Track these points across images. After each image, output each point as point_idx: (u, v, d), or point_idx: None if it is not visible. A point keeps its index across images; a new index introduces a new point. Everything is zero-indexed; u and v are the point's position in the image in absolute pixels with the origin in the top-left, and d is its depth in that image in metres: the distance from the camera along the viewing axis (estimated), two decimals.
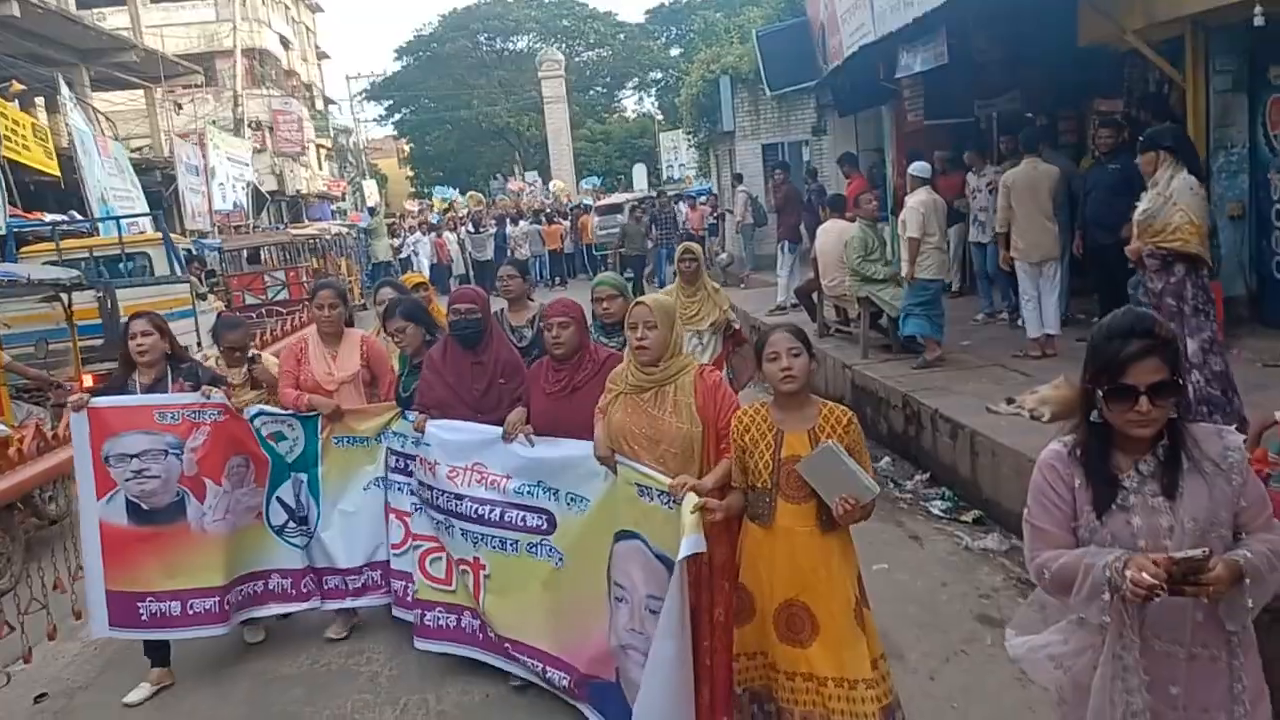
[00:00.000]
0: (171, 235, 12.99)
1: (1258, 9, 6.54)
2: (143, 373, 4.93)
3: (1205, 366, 5.38)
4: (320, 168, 47.01)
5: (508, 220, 27.33)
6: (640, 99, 61.26)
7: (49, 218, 18.19)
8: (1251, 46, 7.53)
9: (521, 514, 4.41)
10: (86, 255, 10.63)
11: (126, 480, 4.81)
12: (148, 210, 20.52)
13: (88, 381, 7.25)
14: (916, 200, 8.10)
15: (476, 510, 4.51)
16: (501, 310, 5.87)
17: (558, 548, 4.29)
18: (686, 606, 3.36)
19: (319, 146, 47.43)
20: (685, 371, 3.72)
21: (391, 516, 5.16)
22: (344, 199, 46.21)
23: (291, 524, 5.25)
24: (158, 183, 25.65)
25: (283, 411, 5.24)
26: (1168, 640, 2.37)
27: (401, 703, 4.58)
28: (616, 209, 27.83)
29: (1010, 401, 6.63)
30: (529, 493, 4.37)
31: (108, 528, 4.84)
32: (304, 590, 5.27)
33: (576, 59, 57.24)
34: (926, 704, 4.01)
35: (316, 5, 55.19)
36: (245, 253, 15.36)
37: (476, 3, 56.64)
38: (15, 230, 14.96)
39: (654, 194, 28.99)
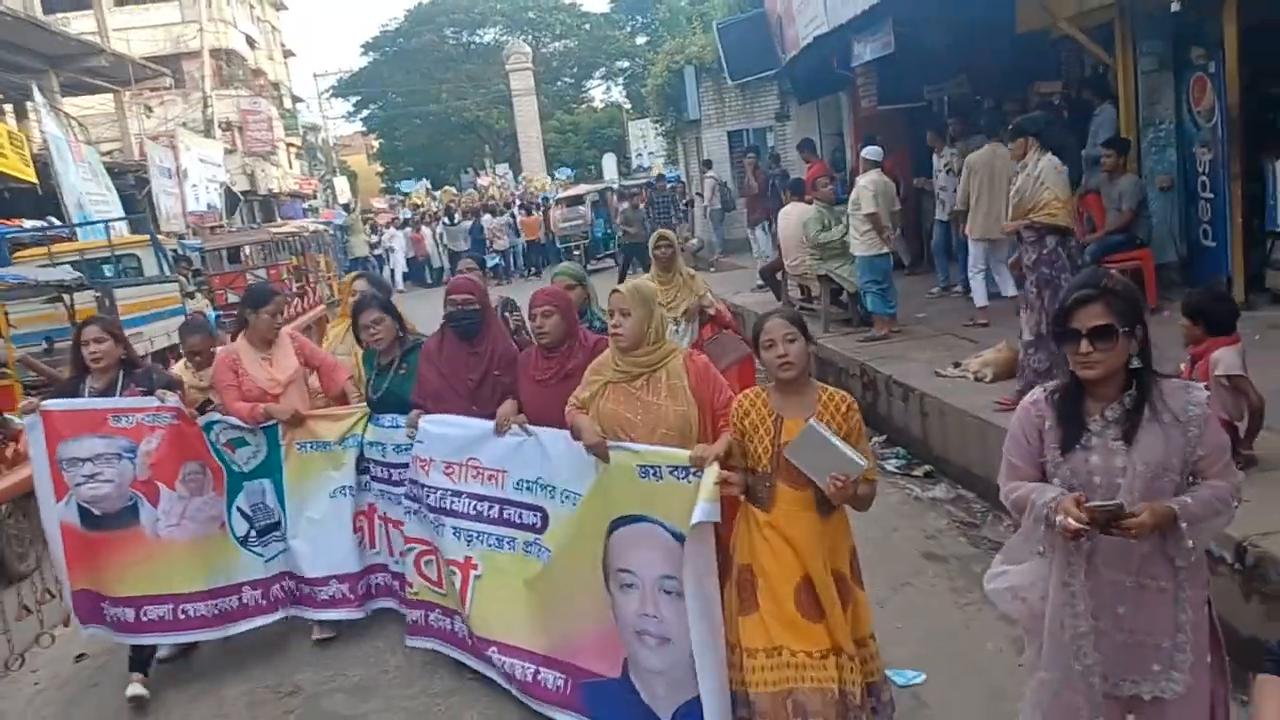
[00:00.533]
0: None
1: None
2: (95, 378, 4.96)
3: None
4: (291, 166, 47.09)
5: (483, 212, 27.69)
6: (608, 89, 61.48)
7: (28, 224, 18.45)
8: (1175, 30, 8.07)
9: (519, 511, 4.33)
10: (78, 258, 10.99)
11: (78, 485, 4.83)
12: (123, 214, 20.79)
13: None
14: (868, 180, 8.64)
15: (474, 507, 4.45)
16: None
17: (546, 545, 4.21)
18: (713, 576, 3.44)
19: (289, 145, 47.48)
20: (674, 354, 3.78)
21: (389, 526, 5.14)
22: (315, 197, 46.35)
23: (254, 534, 5.20)
24: (131, 186, 25.78)
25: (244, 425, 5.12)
26: (1116, 570, 2.61)
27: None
28: (579, 200, 27.45)
29: (956, 365, 7.18)
30: (527, 488, 4.28)
31: (67, 528, 4.89)
32: (275, 598, 5.24)
33: (543, 50, 57.23)
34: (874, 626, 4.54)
35: (281, 3, 55.07)
36: (226, 252, 15.67)
37: None
38: None
39: (626, 183, 29.40)
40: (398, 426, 4.92)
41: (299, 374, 5.40)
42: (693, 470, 3.46)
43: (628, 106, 52.41)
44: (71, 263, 10.02)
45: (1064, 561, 2.63)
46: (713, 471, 3.36)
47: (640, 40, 55.95)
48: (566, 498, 4.11)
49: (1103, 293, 2.57)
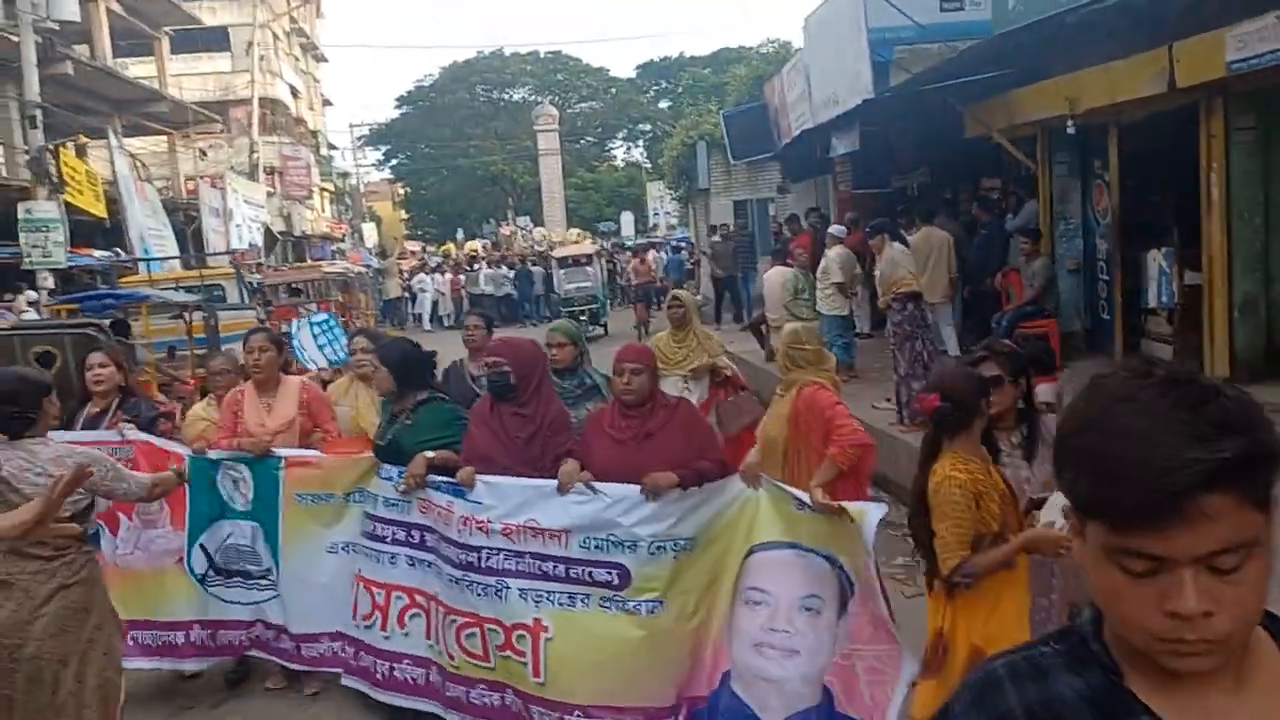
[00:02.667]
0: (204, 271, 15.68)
1: (1069, 122, 9.08)
2: (94, 403, 5.06)
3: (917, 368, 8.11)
4: (324, 210, 49.42)
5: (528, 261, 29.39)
6: (629, 149, 63.62)
7: (97, 254, 20.49)
8: (1082, 145, 10.04)
9: (588, 569, 4.16)
10: (174, 286, 12.95)
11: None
12: (178, 247, 22.97)
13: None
14: (834, 253, 10.60)
15: (540, 566, 4.24)
16: (461, 360, 5.93)
17: (646, 598, 4.08)
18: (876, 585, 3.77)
19: (322, 190, 49.86)
20: (792, 386, 4.50)
21: (362, 586, 4.83)
22: (344, 240, 48.61)
23: (213, 573, 5.06)
24: (181, 223, 27.94)
25: (229, 455, 5.07)
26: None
27: None
28: (585, 260, 24.38)
29: (887, 400, 9.06)
30: (598, 546, 4.13)
31: None
32: (230, 643, 5.14)
33: (569, 110, 59.11)
34: None
35: (322, 56, 57.88)
36: (282, 287, 17.66)
37: (476, 56, 58.94)
38: (72, 266, 17.36)
39: (640, 241, 30.95)
40: (390, 479, 4.73)
41: (293, 426, 5.27)
42: (805, 506, 3.92)
43: (648, 167, 54.43)
44: (169, 289, 11.95)
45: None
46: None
47: (663, 105, 58.34)
48: (660, 549, 4.07)
49: (993, 354, 3.61)
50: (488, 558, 4.31)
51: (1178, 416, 1.04)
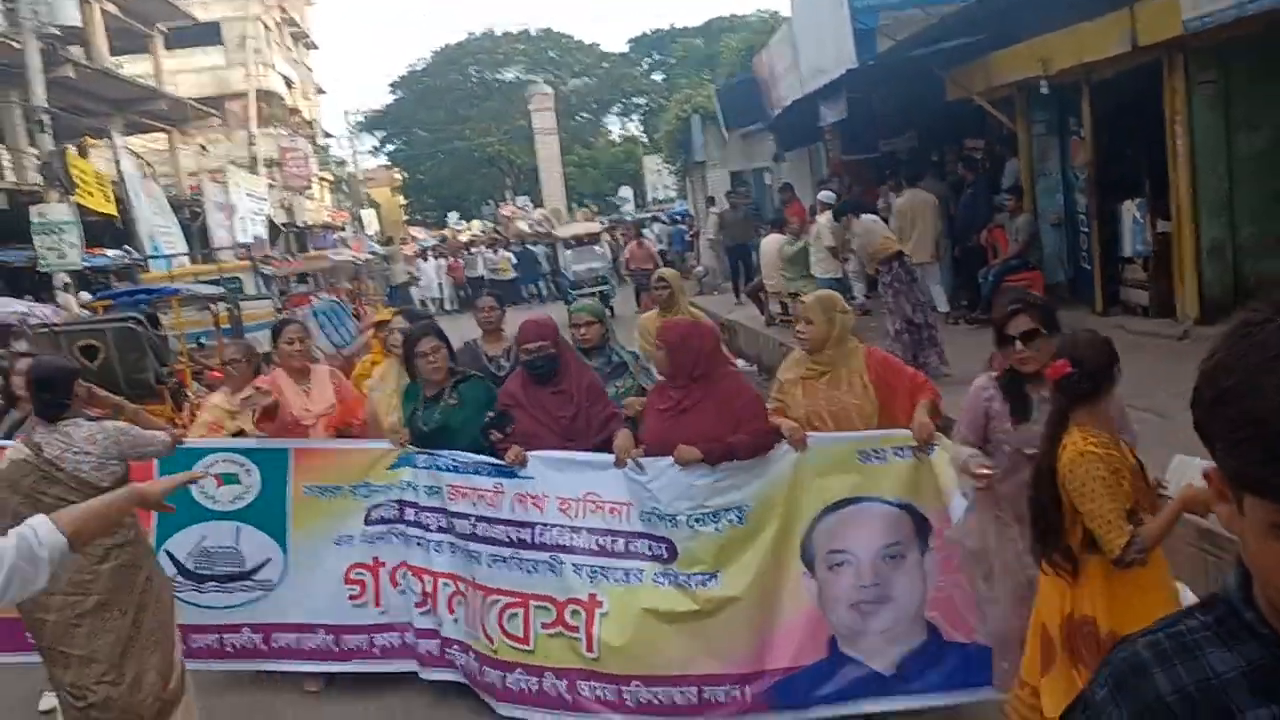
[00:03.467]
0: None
1: (1043, 83, 9.52)
2: (20, 407, 5.10)
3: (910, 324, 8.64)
4: (324, 200, 49.76)
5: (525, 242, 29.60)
6: (625, 124, 63.25)
7: (110, 253, 20.97)
8: (1059, 103, 10.46)
9: (646, 542, 4.26)
10: (193, 279, 13.44)
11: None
12: (185, 244, 23.46)
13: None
14: (824, 219, 11.06)
15: (597, 541, 4.32)
16: (476, 340, 5.97)
17: (696, 572, 4.18)
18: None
19: (321, 179, 50.15)
20: (855, 352, 4.21)
21: (414, 575, 4.82)
22: (344, 228, 48.94)
23: (180, 578, 4.90)
24: (186, 219, 28.37)
25: (240, 446, 5.04)
26: (1012, 514, 3.42)
27: None
28: (593, 240, 23.33)
29: None
30: (649, 520, 4.24)
31: None
32: (211, 648, 5.02)
33: (563, 88, 59.11)
34: None
35: (312, 43, 57.88)
36: (293, 277, 18.16)
37: (467, 38, 58.87)
38: (87, 266, 17.85)
39: (641, 215, 31.07)
40: (432, 468, 4.70)
41: (333, 410, 5.39)
42: (912, 448, 3.98)
43: (644, 140, 54.35)
44: (207, 282, 12.46)
45: (991, 500, 3.45)
46: (943, 455, 3.85)
47: (657, 77, 58.33)
48: (702, 520, 4.16)
49: (1027, 306, 3.33)
50: (541, 533, 4.39)
51: None
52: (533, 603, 4.40)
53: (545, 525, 4.39)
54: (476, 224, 42.46)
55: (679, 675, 4.18)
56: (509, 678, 4.44)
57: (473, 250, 30.17)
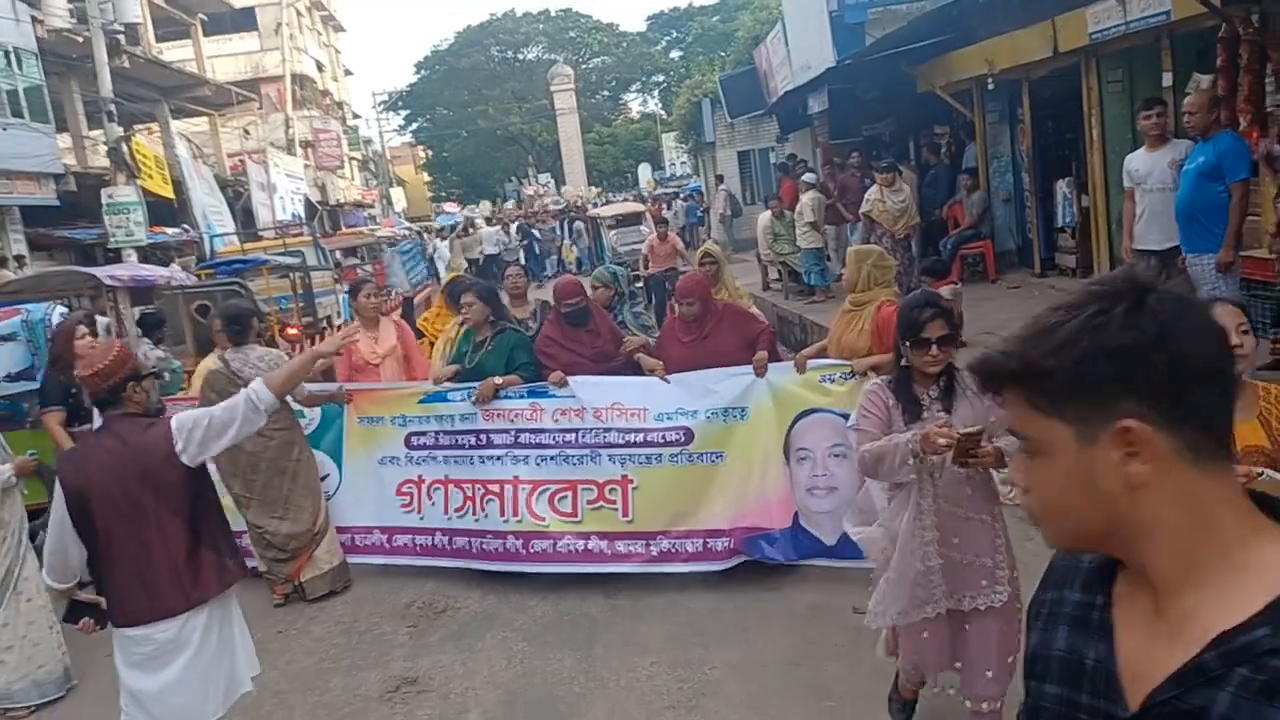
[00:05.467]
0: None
1: (989, 80, 11.21)
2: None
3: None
4: (354, 179, 51.53)
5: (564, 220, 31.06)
6: (644, 101, 64.21)
7: (170, 231, 22.84)
8: (1009, 95, 12.12)
9: (662, 432, 5.63)
10: (262, 252, 15.26)
11: None
12: (233, 223, 25.38)
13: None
14: (808, 197, 12.82)
15: (624, 437, 5.68)
16: (506, 304, 6.84)
17: (709, 451, 5.56)
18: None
19: (351, 159, 51.83)
20: (872, 303, 5.20)
21: (450, 488, 6.05)
22: (374, 206, 50.65)
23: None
24: (230, 198, 30.20)
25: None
26: (951, 504, 3.36)
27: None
28: (636, 219, 23.77)
29: None
30: (667, 417, 5.61)
31: None
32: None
33: (583, 66, 59.73)
34: None
35: (339, 25, 59.34)
36: (339, 251, 19.98)
37: (489, 19, 60.06)
38: (152, 243, 19.81)
39: (660, 192, 32.18)
40: (464, 400, 5.95)
41: (395, 351, 6.70)
42: (854, 373, 5.19)
43: (663, 117, 55.66)
44: (278, 254, 14.25)
45: (919, 489, 3.33)
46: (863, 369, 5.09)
47: (674, 55, 59.39)
48: (714, 415, 5.56)
49: (943, 311, 3.38)
50: (581, 436, 5.78)
51: None
52: (580, 486, 5.78)
53: (585, 430, 5.78)
54: (485, 204, 43.62)
55: (689, 530, 5.59)
56: (559, 543, 5.76)
57: (470, 231, 31.00)
